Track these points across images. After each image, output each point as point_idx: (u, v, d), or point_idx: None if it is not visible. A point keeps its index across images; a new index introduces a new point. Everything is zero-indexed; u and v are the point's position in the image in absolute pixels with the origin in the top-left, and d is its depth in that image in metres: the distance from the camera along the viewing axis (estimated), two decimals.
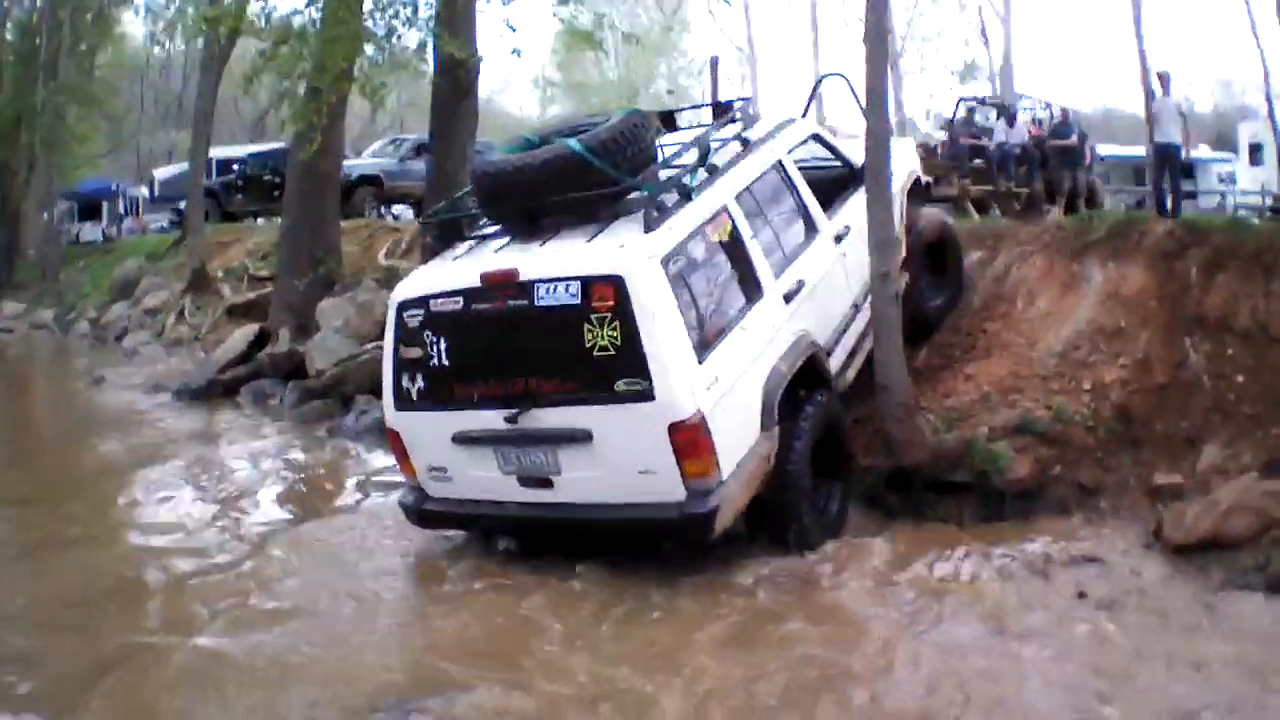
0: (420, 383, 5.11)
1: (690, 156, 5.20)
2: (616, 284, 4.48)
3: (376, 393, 7.92)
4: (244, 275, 17.10)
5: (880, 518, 5.59)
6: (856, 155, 6.16)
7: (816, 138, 6.52)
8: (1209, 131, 31.20)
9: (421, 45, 10.57)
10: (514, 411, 4.77)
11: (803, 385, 5.15)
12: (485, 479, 5.04)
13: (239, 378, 10.76)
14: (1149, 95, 13.96)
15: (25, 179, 27.28)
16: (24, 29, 27.73)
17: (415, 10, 10.34)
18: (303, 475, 7.64)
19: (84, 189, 33.25)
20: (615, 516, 4.75)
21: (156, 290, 18.64)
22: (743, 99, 5.93)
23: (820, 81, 7.08)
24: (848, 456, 5.49)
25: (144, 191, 31.27)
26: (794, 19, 45.89)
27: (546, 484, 4.91)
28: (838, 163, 6.52)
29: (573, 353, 4.60)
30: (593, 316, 4.54)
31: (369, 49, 10.22)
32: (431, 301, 5.02)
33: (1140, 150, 21.11)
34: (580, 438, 4.69)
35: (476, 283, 4.89)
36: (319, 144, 10.46)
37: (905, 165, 6.79)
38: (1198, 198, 21.98)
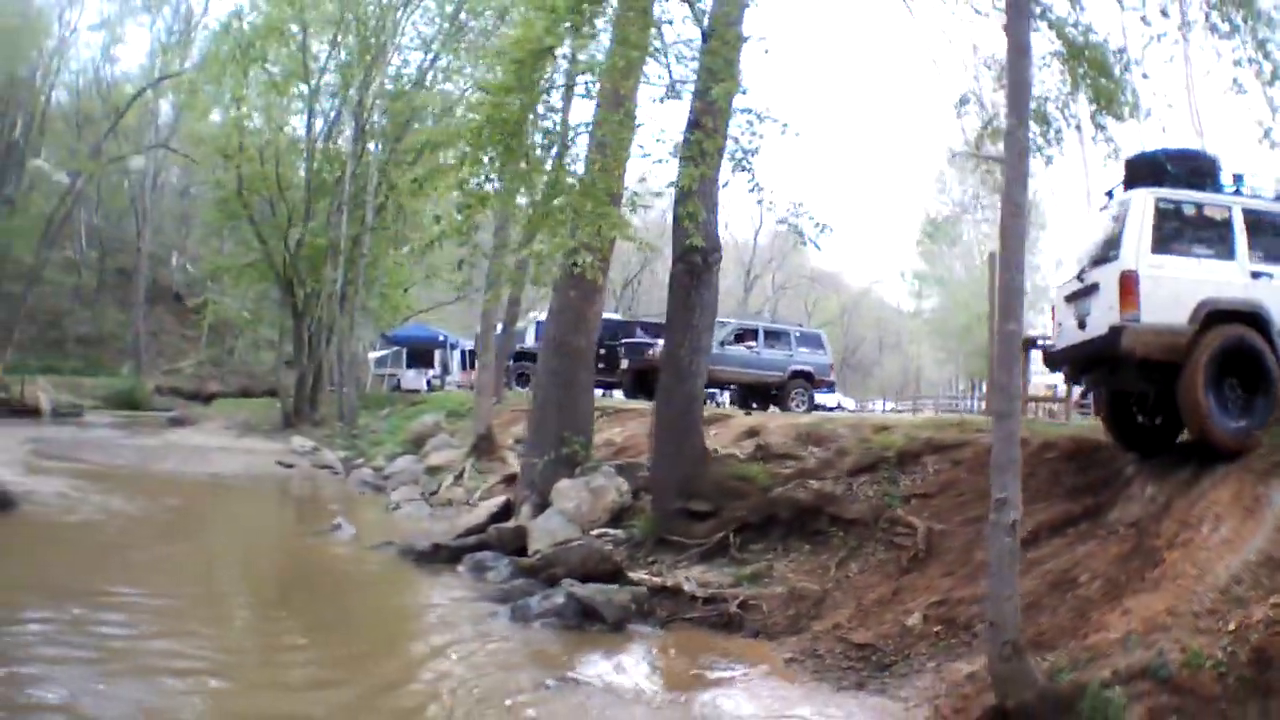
0: None
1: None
2: None
3: (586, 576, 8.88)
4: None
5: None
6: None
7: None
8: None
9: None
10: None
11: None
12: None
13: (467, 546, 11.09)
14: None
15: (333, 314, 26.63)
16: (330, 159, 27.99)
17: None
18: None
19: (415, 335, 33.13)
20: None
21: (444, 449, 18.66)
22: None
23: None
24: None
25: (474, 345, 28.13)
26: None
27: None
28: None
29: None
30: None
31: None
32: None
33: None
34: None
35: None
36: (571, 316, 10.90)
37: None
38: None
